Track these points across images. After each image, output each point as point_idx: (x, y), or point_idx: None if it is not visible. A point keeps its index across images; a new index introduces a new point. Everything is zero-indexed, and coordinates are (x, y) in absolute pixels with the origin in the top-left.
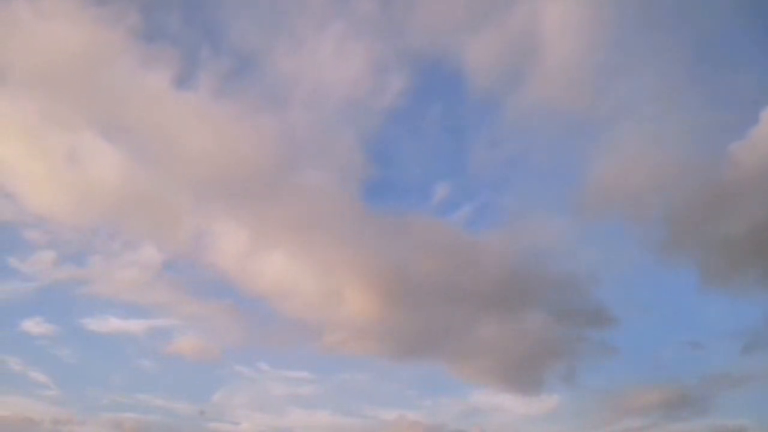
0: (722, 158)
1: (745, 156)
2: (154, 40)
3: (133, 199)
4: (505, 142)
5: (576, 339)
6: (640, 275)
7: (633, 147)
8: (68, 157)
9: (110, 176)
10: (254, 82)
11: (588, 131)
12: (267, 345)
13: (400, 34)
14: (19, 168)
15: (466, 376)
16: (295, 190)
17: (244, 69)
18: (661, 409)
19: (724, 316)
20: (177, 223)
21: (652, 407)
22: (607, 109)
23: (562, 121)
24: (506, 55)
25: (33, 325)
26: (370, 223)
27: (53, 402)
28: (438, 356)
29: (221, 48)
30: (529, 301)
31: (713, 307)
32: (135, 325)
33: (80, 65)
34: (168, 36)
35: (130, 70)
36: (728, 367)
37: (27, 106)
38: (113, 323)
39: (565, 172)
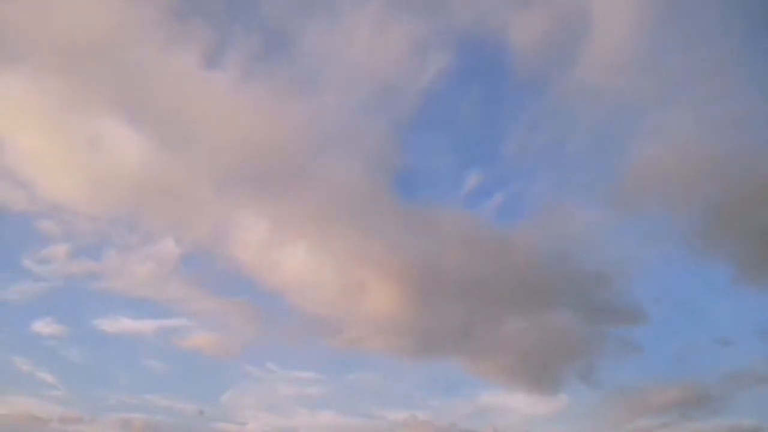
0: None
1: None
2: (182, 17)
3: (153, 188)
4: (543, 128)
5: (599, 337)
6: (673, 270)
7: (676, 134)
8: (88, 142)
9: (131, 163)
10: (285, 62)
11: (631, 116)
12: (282, 342)
13: (442, 12)
14: (36, 154)
15: (483, 374)
16: (320, 179)
17: (275, 48)
18: (677, 408)
19: (757, 313)
20: (197, 214)
21: (668, 406)
22: (652, 94)
23: (605, 105)
24: (553, 35)
25: (43, 326)
26: (396, 214)
27: (59, 402)
28: (455, 354)
29: (252, 25)
30: (554, 298)
31: (746, 303)
32: (145, 326)
33: (104, 44)
34: (197, 12)
35: (156, 49)
36: (753, 365)
37: (47, 87)
38: (124, 323)
39: (603, 159)
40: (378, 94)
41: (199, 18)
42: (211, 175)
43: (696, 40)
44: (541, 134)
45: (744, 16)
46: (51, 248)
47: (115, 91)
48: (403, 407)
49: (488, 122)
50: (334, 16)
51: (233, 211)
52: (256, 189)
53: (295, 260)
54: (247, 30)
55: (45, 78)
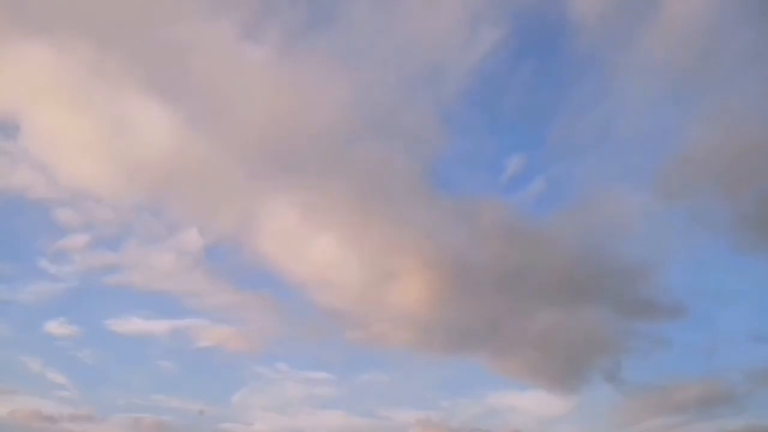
0: None
1: None
2: None
3: (180, 173)
4: (596, 107)
5: (630, 333)
6: (715, 262)
7: (735, 119)
8: (114, 122)
9: (158, 145)
10: (328, 36)
11: (688, 99)
12: (301, 338)
13: None
14: (57, 134)
15: (504, 371)
16: (356, 164)
17: (318, 20)
18: (698, 407)
19: None
20: (224, 202)
21: (688, 404)
22: (714, 75)
23: (663, 86)
24: (616, 9)
25: (56, 326)
26: (432, 203)
27: (69, 402)
28: (478, 351)
29: None
30: (587, 292)
31: None
32: (158, 326)
33: (136, 13)
34: None
35: (192, 20)
36: None
37: (72, 61)
38: (136, 324)
39: (653, 143)
40: (423, 73)
41: None
42: (241, 159)
43: (765, 20)
44: (591, 115)
45: None
46: (69, 239)
47: (146, 66)
48: (414, 408)
49: (536, 103)
50: None
51: (261, 199)
52: (288, 174)
53: (323, 251)
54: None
55: (70, 50)
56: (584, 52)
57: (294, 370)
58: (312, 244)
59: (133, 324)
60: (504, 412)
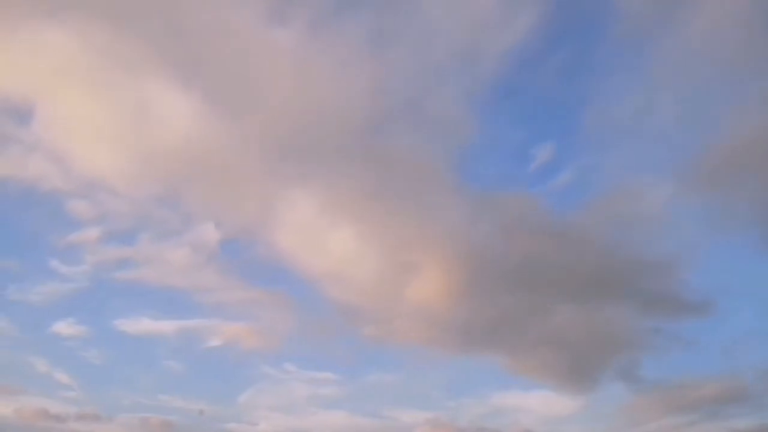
0: None
1: None
2: None
3: (199, 162)
4: (632, 95)
5: (649, 331)
6: (744, 258)
7: None
8: (133, 108)
9: (178, 132)
10: (356, 19)
11: (729, 86)
12: (313, 334)
13: None
14: (73, 121)
15: (518, 370)
16: (380, 154)
17: (346, 3)
18: (710, 406)
19: None
20: (242, 194)
21: (701, 403)
22: (757, 61)
23: (703, 72)
24: None
25: (64, 327)
26: (456, 195)
27: (74, 402)
28: (492, 349)
29: None
30: (611, 288)
31: None
32: (166, 326)
33: None
34: None
35: (216, 1)
36: None
37: (90, 43)
38: (145, 324)
39: (689, 132)
40: (453, 58)
41: None
42: (262, 148)
43: None
44: (625, 103)
45: None
46: (81, 233)
47: (166, 50)
48: (421, 408)
49: (570, 89)
50: None
51: (280, 190)
52: (309, 164)
53: (340, 245)
54: None
55: (88, 32)
56: (623, 38)
57: (301, 370)
58: (330, 238)
59: (142, 324)
60: (514, 412)
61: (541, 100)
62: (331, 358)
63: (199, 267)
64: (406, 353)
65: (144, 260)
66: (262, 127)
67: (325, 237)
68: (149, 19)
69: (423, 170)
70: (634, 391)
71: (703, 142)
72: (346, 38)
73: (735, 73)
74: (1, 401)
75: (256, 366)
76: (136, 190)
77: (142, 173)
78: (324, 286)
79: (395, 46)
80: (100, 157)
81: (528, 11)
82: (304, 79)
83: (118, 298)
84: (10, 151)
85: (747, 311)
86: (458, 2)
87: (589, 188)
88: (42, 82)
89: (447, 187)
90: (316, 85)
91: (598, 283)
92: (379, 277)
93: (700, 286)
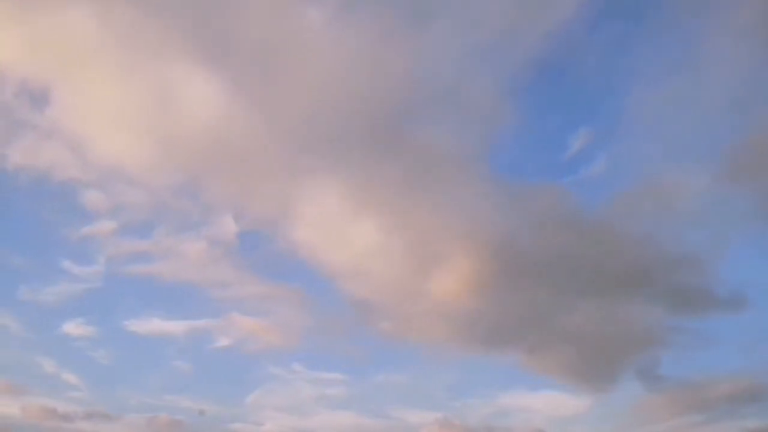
0: None
1: None
2: None
3: (221, 150)
4: (674, 79)
5: (675, 327)
6: None
7: None
8: (154, 92)
9: (200, 118)
10: None
11: None
12: (327, 332)
13: None
14: (92, 106)
15: (534, 368)
16: (408, 143)
17: None
18: (726, 405)
19: None
20: (264, 184)
21: (718, 402)
22: None
23: (750, 56)
24: None
25: (74, 327)
26: (485, 188)
27: (80, 403)
28: (510, 347)
29: None
30: (638, 284)
31: None
32: (176, 326)
33: None
34: None
35: None
36: None
37: (110, 23)
38: (155, 324)
39: (730, 118)
40: (491, 39)
41: None
42: (287, 136)
43: None
44: (669, 88)
45: None
46: (95, 225)
47: (192, 32)
48: (429, 408)
49: (612, 72)
50: None
51: (304, 181)
52: (335, 154)
53: (361, 239)
54: None
55: (109, 12)
56: (668, 21)
57: (309, 370)
58: (351, 231)
59: (152, 324)
60: (523, 412)
61: (580, 84)
62: (341, 357)
63: (215, 261)
64: (419, 352)
65: (159, 254)
66: (288, 114)
67: (346, 230)
68: None
69: (452, 160)
70: (650, 390)
71: (744, 131)
72: (378, 19)
73: None
74: (8, 401)
75: (264, 366)
76: (154, 179)
77: (161, 162)
78: (341, 281)
79: (431, 27)
80: (118, 145)
81: None
82: (334, 62)
83: (130, 298)
84: (25, 138)
85: None
86: None
87: (624, 177)
88: (60, 64)
89: (476, 177)
90: (346, 69)
91: (625, 279)
92: (400, 272)
93: (730, 281)
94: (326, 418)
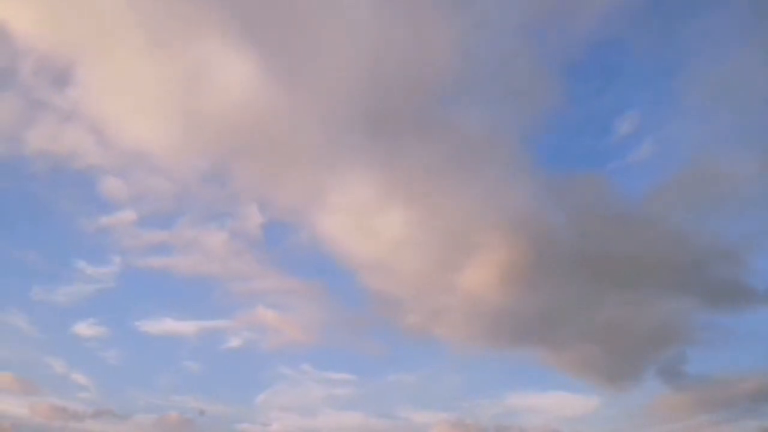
0: None
1: None
2: None
3: (251, 134)
4: (731, 58)
5: (704, 324)
6: None
7: None
8: (183, 72)
9: (232, 98)
10: None
11: None
12: (344, 329)
13: None
14: (115, 86)
15: (555, 366)
16: (447, 127)
17: None
18: (746, 403)
19: None
20: (294, 170)
21: (739, 400)
22: None
23: None
24: None
25: (85, 328)
26: (525, 177)
27: (89, 403)
28: (532, 344)
29: None
30: (673, 279)
31: None
32: (188, 327)
33: None
34: None
35: None
36: None
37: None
38: (167, 324)
39: None
40: (539, 17)
41: None
42: (320, 119)
43: None
44: (724, 69)
45: None
46: (114, 215)
47: (225, 6)
48: (437, 408)
49: (665, 52)
50: None
51: (334, 167)
52: (369, 138)
53: (390, 229)
54: None
55: None
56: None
57: (318, 370)
58: (380, 221)
59: (164, 324)
60: (536, 412)
61: (632, 65)
62: (354, 356)
63: (236, 254)
64: (438, 349)
65: (179, 246)
66: (322, 95)
67: (375, 220)
68: None
69: (492, 145)
70: (672, 388)
71: None
72: None
73: None
74: (19, 400)
75: (275, 366)
76: (178, 166)
77: (187, 146)
78: (365, 274)
79: (475, 1)
80: (142, 128)
81: None
82: (373, 40)
83: (143, 297)
84: (43, 121)
85: None
86: None
87: (669, 163)
88: (84, 39)
89: (516, 164)
90: (385, 47)
91: (661, 272)
92: (427, 265)
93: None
94: (332, 418)
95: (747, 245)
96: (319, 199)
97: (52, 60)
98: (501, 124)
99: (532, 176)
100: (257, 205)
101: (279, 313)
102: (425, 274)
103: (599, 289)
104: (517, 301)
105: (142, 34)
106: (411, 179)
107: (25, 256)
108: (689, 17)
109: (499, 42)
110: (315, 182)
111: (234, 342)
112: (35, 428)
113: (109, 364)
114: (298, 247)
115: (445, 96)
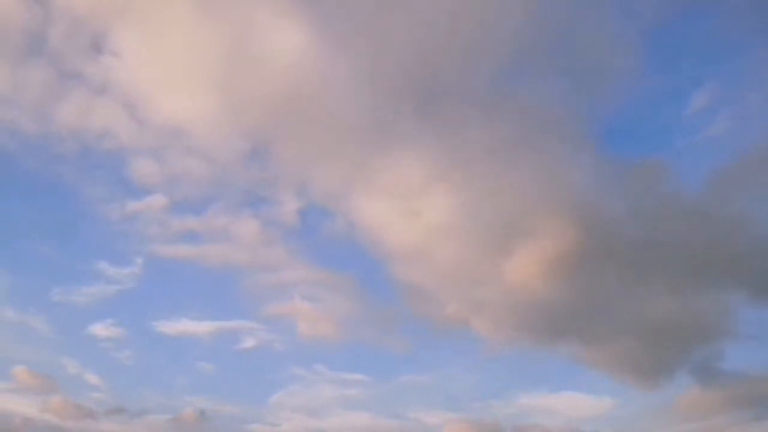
0: None
1: None
2: None
3: (296, 111)
4: None
5: (748, 319)
6: None
7: None
8: (227, 41)
9: (277, 72)
10: None
11: None
12: (374, 324)
13: None
14: (151, 57)
15: (588, 363)
16: (506, 105)
17: None
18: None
19: None
20: (339, 148)
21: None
22: None
23: None
24: None
25: (101, 328)
26: (587, 160)
27: (102, 404)
28: (564, 339)
29: None
30: (723, 271)
31: None
32: (205, 327)
33: None
34: None
35: None
36: None
37: None
38: (184, 325)
39: None
40: None
41: None
42: (372, 92)
43: None
44: None
45: None
46: (144, 200)
47: None
48: (447, 409)
49: (747, 21)
50: None
51: (382, 146)
52: (423, 114)
53: (433, 215)
54: None
55: None
56: None
57: (331, 371)
58: (425, 206)
59: (181, 325)
60: (549, 413)
61: (710, 34)
62: (370, 355)
63: (267, 243)
64: (461, 347)
65: (209, 234)
66: (376, 69)
67: (420, 205)
68: None
69: (556, 124)
70: (703, 385)
71: None
72: None
73: None
74: (29, 400)
75: (289, 367)
76: (217, 146)
77: (227, 124)
78: (397, 266)
79: None
80: (179, 104)
81: None
82: (431, 10)
83: (163, 296)
84: (74, 94)
85: None
86: None
87: (741, 141)
88: (120, 3)
89: (580, 145)
90: (444, 17)
91: (713, 264)
92: (468, 255)
93: None
94: (341, 419)
95: None
96: (362, 182)
97: (85, 26)
98: (566, 100)
99: (595, 158)
100: (295, 189)
101: (304, 307)
102: (464, 265)
103: (645, 281)
104: (560, 294)
105: (184, 5)
106: (462, 160)
107: (47, 255)
108: None
109: (567, 8)
110: (358, 163)
111: (249, 343)
112: (47, 426)
113: (123, 365)
114: (333, 234)
115: (505, 68)
